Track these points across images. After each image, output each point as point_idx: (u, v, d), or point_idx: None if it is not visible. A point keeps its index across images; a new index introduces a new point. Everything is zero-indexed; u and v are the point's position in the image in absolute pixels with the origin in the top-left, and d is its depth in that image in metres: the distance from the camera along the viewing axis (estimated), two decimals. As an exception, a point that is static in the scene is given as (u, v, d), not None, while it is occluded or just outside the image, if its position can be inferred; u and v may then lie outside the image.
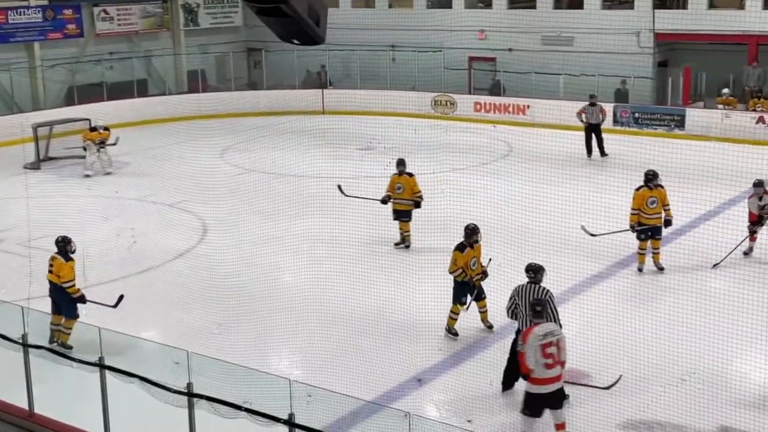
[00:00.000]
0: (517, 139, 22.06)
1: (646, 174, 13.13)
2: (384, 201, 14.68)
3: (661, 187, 12.94)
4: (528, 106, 25.48)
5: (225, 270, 13.47)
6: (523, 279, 9.56)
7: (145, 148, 22.95)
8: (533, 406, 8.37)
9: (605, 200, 16.04)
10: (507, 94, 26.85)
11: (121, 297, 11.13)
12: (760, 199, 13.22)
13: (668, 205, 12.93)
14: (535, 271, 9.45)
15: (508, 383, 9.49)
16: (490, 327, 10.89)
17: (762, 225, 13.30)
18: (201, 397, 7.71)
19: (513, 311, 9.41)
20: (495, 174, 18.45)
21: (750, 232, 13.28)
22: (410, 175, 14.63)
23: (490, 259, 11.21)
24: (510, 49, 27.24)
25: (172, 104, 27.67)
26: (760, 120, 22.09)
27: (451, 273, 10.87)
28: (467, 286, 10.83)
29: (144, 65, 30.09)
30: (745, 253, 13.39)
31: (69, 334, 10.69)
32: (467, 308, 10.85)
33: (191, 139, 23.24)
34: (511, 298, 9.43)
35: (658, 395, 9.32)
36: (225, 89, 29.49)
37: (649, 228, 12.89)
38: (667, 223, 12.87)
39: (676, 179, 16.78)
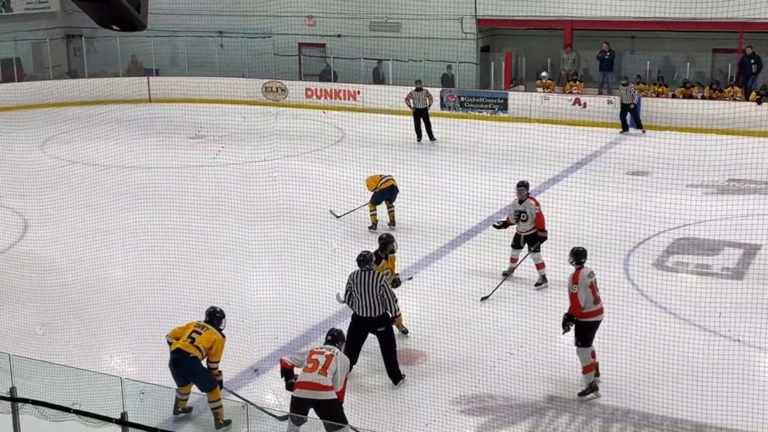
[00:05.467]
0: (349, 124, 22.22)
1: None
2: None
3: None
4: (358, 92, 25.71)
5: (49, 267, 12.88)
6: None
7: (-43, 142, 21.54)
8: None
9: (436, 182, 16.53)
10: (338, 80, 26.98)
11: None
12: (521, 202, 12.13)
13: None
14: (367, 260, 9.63)
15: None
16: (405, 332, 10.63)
17: (521, 248, 12.16)
18: (25, 401, 7.34)
19: (349, 298, 9.53)
20: (328, 160, 18.54)
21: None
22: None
23: (410, 278, 11.42)
24: (339, 35, 27.36)
25: (-14, 95, 26.09)
26: (576, 102, 23.24)
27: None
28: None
29: (-48, 53, 28.19)
30: (505, 274, 12.19)
31: (221, 406, 8.64)
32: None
33: (8, 131, 21.99)
34: (347, 285, 9.55)
35: (489, 370, 9.66)
36: (43, 78, 28.09)
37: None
38: None
39: (501, 160, 17.47)
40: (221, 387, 8.70)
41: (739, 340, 10.12)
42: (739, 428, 8.36)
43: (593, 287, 9.28)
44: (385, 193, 14.65)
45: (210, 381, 8.54)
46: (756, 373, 9.66)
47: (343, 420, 7.89)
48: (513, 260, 12.33)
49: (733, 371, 9.30)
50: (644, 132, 21.76)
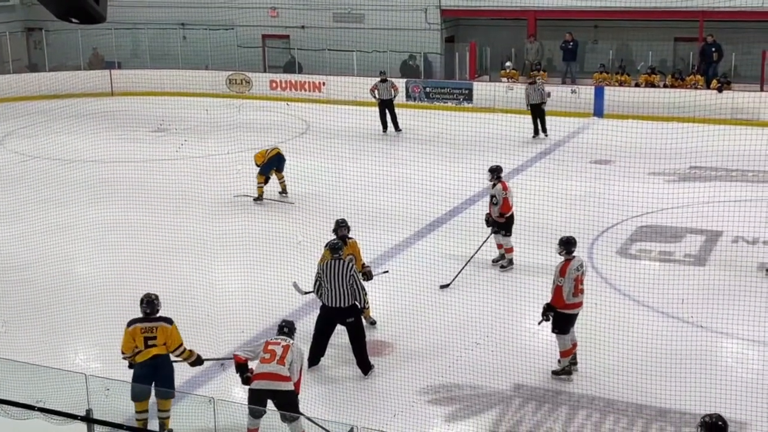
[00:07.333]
0: (314, 116, 22.15)
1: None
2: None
3: None
4: (323, 83, 25.64)
5: (11, 263, 12.72)
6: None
7: None
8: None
9: (402, 173, 16.54)
10: (302, 71, 26.88)
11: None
12: (493, 186, 12.10)
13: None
14: (337, 249, 9.65)
15: (314, 359, 9.56)
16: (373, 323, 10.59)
17: (497, 232, 12.13)
18: (-12, 400, 7.27)
19: (318, 288, 9.50)
20: (294, 152, 18.44)
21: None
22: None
23: (386, 271, 11.26)
24: (303, 27, 27.25)
25: (-57, 89, 25.67)
26: (541, 92, 23.32)
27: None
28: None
29: None
30: (495, 261, 12.34)
31: (169, 417, 8.32)
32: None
33: (-34, 126, 21.70)
34: (316, 275, 9.53)
35: (456, 359, 9.71)
36: (3, 72, 27.67)
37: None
38: None
39: (466, 150, 17.54)
40: (201, 362, 8.48)
41: (701, 326, 10.24)
42: (702, 413, 8.46)
43: (578, 280, 9.20)
44: (272, 161, 15.27)
45: (172, 387, 8.26)
46: (718, 358, 9.78)
47: (298, 412, 7.81)
48: (499, 246, 12.37)
49: (695, 357, 9.41)
50: (547, 135, 20.50)
